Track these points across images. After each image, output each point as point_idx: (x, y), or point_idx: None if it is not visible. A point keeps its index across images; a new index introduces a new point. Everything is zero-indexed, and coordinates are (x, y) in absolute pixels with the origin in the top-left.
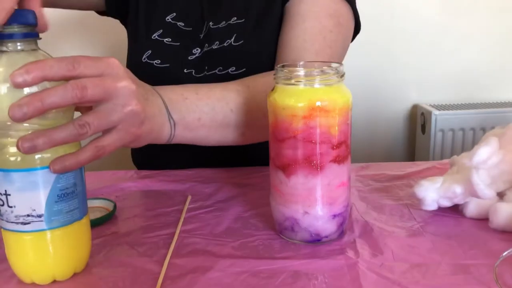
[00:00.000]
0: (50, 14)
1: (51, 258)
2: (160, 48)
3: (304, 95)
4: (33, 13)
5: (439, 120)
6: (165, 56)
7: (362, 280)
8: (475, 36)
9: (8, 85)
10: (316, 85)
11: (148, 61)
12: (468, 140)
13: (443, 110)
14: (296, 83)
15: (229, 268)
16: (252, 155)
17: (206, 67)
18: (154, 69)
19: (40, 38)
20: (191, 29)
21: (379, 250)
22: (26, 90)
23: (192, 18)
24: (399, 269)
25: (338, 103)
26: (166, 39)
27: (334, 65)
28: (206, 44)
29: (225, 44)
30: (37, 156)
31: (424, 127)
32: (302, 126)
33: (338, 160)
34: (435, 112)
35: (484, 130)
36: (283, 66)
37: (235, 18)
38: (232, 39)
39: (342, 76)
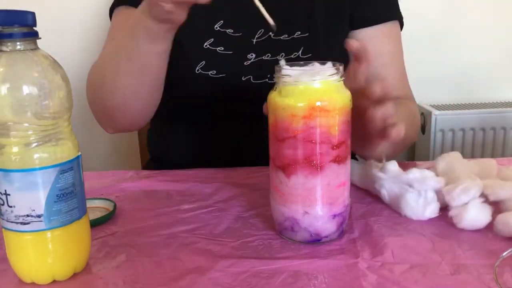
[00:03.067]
0: (50, 14)
1: (51, 258)
2: (214, 58)
3: (304, 95)
4: (33, 13)
5: (439, 120)
6: (220, 65)
7: (362, 280)
8: (475, 36)
9: (8, 85)
10: (316, 85)
11: (203, 72)
12: (468, 140)
13: (443, 110)
14: (296, 83)
15: (229, 268)
16: (252, 155)
17: (269, 75)
18: (210, 80)
19: (40, 38)
20: (241, 34)
21: (379, 250)
22: (26, 91)
23: (241, 23)
24: (399, 269)
25: (338, 103)
26: (219, 48)
27: (334, 64)
28: (269, 54)
29: (292, 56)
30: (36, 156)
31: (424, 127)
32: (302, 126)
33: (338, 160)
34: (435, 112)
35: (484, 130)
36: (283, 66)
37: (299, 32)
38: (300, 52)
39: (342, 76)
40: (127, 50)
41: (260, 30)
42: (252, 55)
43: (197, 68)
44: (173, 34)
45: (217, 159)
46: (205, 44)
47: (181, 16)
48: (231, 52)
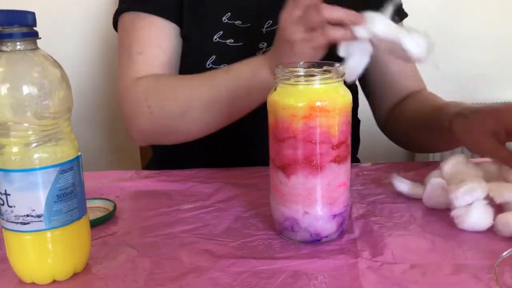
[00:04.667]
0: (50, 14)
1: (51, 258)
2: (225, 52)
3: (304, 95)
4: (33, 13)
5: None
6: (232, 58)
7: (362, 280)
8: (475, 36)
9: (8, 85)
10: (316, 85)
11: (214, 66)
12: None
13: None
14: (296, 83)
15: (229, 268)
16: (252, 155)
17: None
18: None
19: (40, 38)
20: (249, 24)
21: (379, 250)
22: (26, 91)
23: (249, 14)
24: (399, 269)
25: (338, 103)
26: (229, 41)
27: (334, 64)
28: None
29: None
30: (36, 156)
31: None
32: (302, 126)
33: (338, 160)
34: None
35: None
36: (283, 66)
37: None
38: None
39: (342, 76)
40: (232, 97)
41: (268, 21)
42: (263, 44)
43: (208, 63)
44: None
45: (225, 160)
46: (215, 37)
47: None
48: (241, 44)
